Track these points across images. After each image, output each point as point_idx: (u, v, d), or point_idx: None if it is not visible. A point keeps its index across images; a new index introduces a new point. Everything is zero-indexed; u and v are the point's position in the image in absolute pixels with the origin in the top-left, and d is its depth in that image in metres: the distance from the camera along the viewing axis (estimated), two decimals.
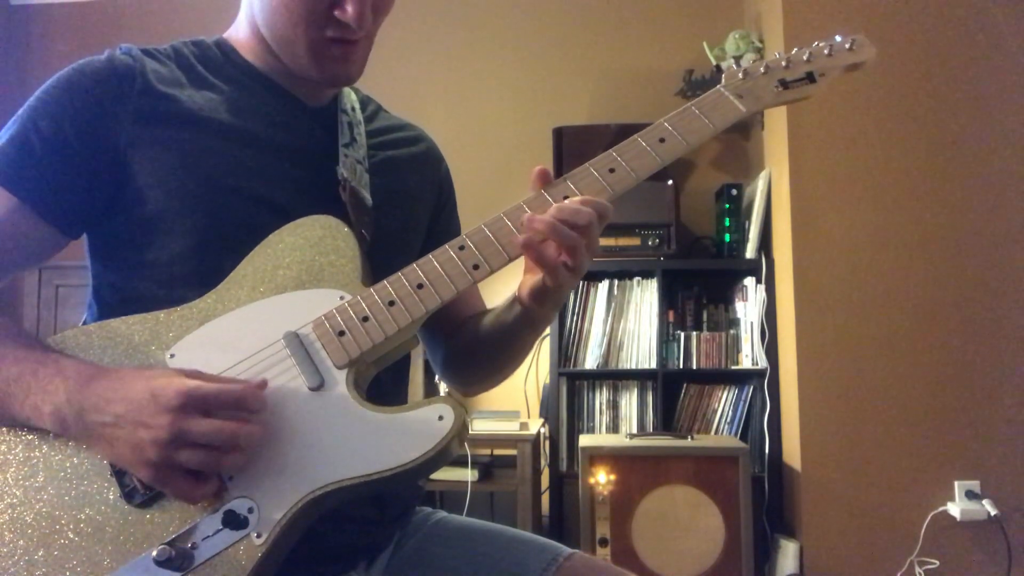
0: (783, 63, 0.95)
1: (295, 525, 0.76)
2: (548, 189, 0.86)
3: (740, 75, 0.94)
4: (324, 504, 0.77)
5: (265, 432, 0.76)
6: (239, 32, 1.01)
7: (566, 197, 0.84)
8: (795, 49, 0.97)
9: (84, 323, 0.92)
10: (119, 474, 0.77)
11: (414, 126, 1.16)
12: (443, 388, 2.82)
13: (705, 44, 2.90)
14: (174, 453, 0.72)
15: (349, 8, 0.88)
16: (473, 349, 1.06)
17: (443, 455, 0.76)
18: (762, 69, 0.94)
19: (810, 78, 0.94)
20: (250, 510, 0.75)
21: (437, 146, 1.17)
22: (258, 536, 0.74)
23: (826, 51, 0.95)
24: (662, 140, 0.89)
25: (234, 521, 0.74)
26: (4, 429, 0.80)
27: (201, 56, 0.99)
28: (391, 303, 0.83)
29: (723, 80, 0.94)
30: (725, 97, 0.93)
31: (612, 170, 0.87)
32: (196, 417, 0.72)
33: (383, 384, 0.94)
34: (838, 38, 0.96)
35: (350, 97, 1.07)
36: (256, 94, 0.98)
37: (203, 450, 0.72)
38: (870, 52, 0.96)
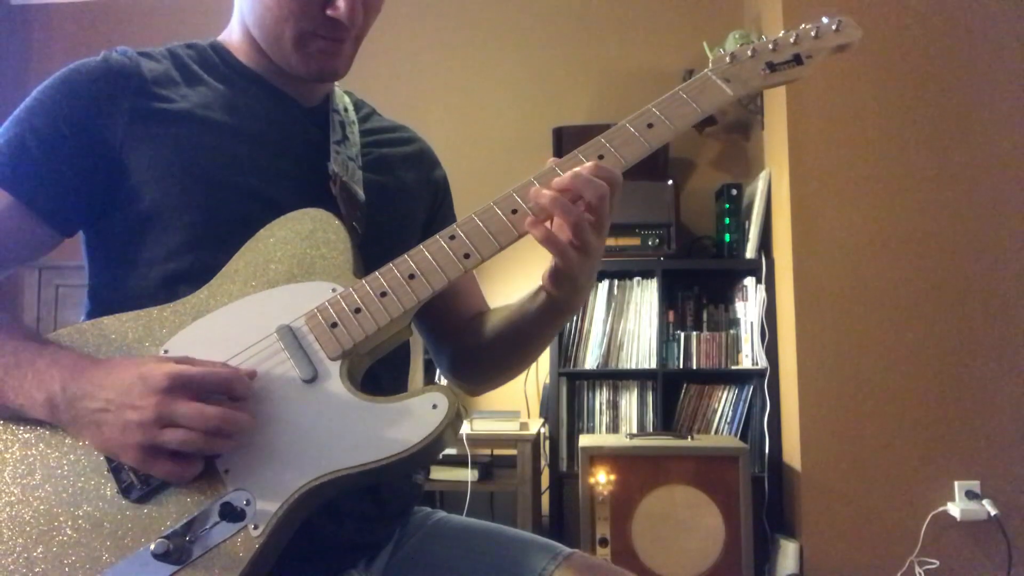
0: (770, 46, 0.95)
1: (292, 517, 0.76)
2: (538, 177, 0.86)
3: (727, 59, 0.94)
4: (321, 495, 0.77)
5: (254, 421, 0.77)
6: (232, 35, 1.02)
7: None
8: (782, 32, 0.97)
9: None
10: (116, 470, 0.77)
11: (409, 128, 1.17)
12: (443, 382, 2.82)
13: (705, 44, 2.90)
14: (159, 434, 0.73)
15: (341, 4, 0.89)
16: (486, 345, 1.06)
17: (437, 443, 0.77)
18: (749, 52, 0.94)
19: (797, 60, 0.94)
20: (247, 502, 0.75)
21: (432, 150, 1.18)
22: (255, 528, 0.74)
23: (813, 33, 0.96)
24: (650, 125, 0.89)
25: (231, 513, 0.74)
26: (0, 428, 0.80)
27: (196, 57, 1.00)
28: (383, 294, 0.83)
29: (711, 64, 0.95)
30: (712, 81, 0.93)
31: (601, 156, 0.87)
32: (182, 399, 0.73)
33: (382, 380, 0.95)
34: (824, 20, 0.96)
35: (343, 99, 1.09)
36: (250, 93, 0.99)
37: (185, 430, 0.73)
38: (856, 33, 0.96)
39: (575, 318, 2.91)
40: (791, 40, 0.95)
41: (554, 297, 0.90)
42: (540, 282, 0.91)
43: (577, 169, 0.82)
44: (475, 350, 1.08)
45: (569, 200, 0.80)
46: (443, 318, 1.09)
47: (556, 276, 0.87)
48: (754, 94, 2.85)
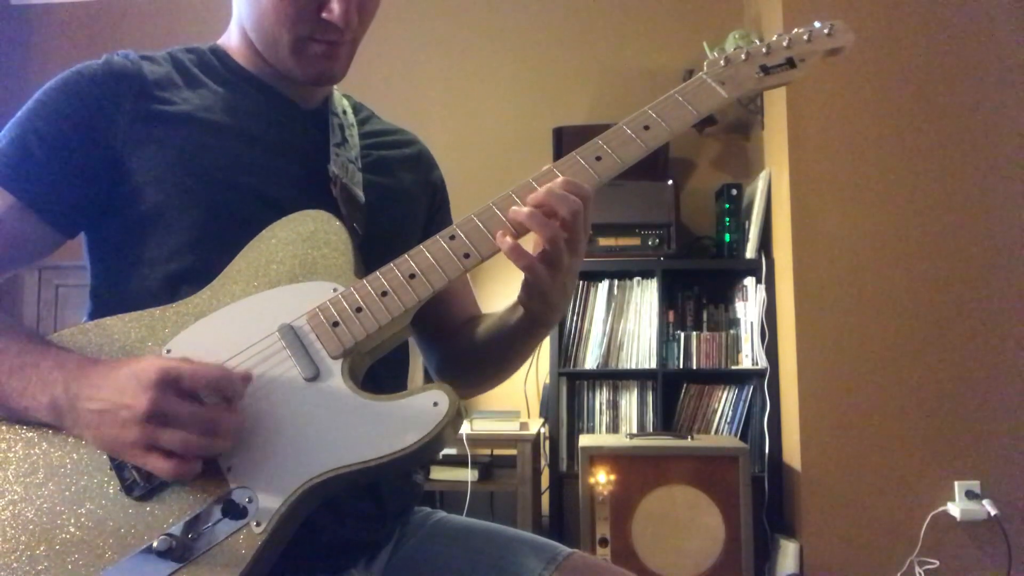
0: (763, 50, 0.97)
1: (294, 514, 0.76)
2: (537, 178, 0.88)
3: (722, 63, 0.96)
4: (323, 492, 0.78)
5: (244, 422, 0.77)
6: (231, 39, 1.04)
7: None
8: (775, 36, 0.99)
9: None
10: (119, 468, 0.78)
11: (407, 131, 1.19)
12: None
13: (705, 44, 2.91)
14: (153, 432, 0.73)
15: (336, 8, 0.90)
16: (472, 352, 1.08)
17: (439, 440, 0.77)
18: (743, 56, 0.97)
19: (790, 63, 0.97)
20: (249, 499, 0.75)
21: (430, 152, 1.19)
22: (257, 525, 0.75)
23: (805, 37, 0.98)
24: (647, 127, 0.91)
25: (234, 511, 0.75)
26: (4, 428, 0.81)
27: (196, 61, 1.01)
28: (384, 293, 0.84)
29: (705, 67, 0.97)
30: (707, 84, 0.95)
31: (599, 158, 0.89)
32: (174, 398, 0.73)
33: (382, 380, 0.95)
34: (817, 24, 0.99)
35: (341, 102, 1.10)
36: (250, 95, 1.00)
37: (181, 432, 0.73)
38: (848, 37, 0.98)
39: (575, 318, 2.92)
40: (784, 44, 0.97)
41: (529, 311, 0.93)
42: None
43: (549, 185, 0.84)
44: (462, 355, 1.10)
45: (544, 215, 0.83)
46: (435, 321, 1.10)
47: (529, 291, 0.90)
48: (749, 96, 2.86)
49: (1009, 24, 2.59)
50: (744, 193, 3.02)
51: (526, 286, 0.89)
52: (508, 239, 0.84)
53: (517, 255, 0.83)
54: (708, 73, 0.96)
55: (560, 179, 0.85)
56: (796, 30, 0.99)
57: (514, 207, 0.85)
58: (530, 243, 0.85)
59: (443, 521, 1.07)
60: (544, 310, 0.92)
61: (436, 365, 1.14)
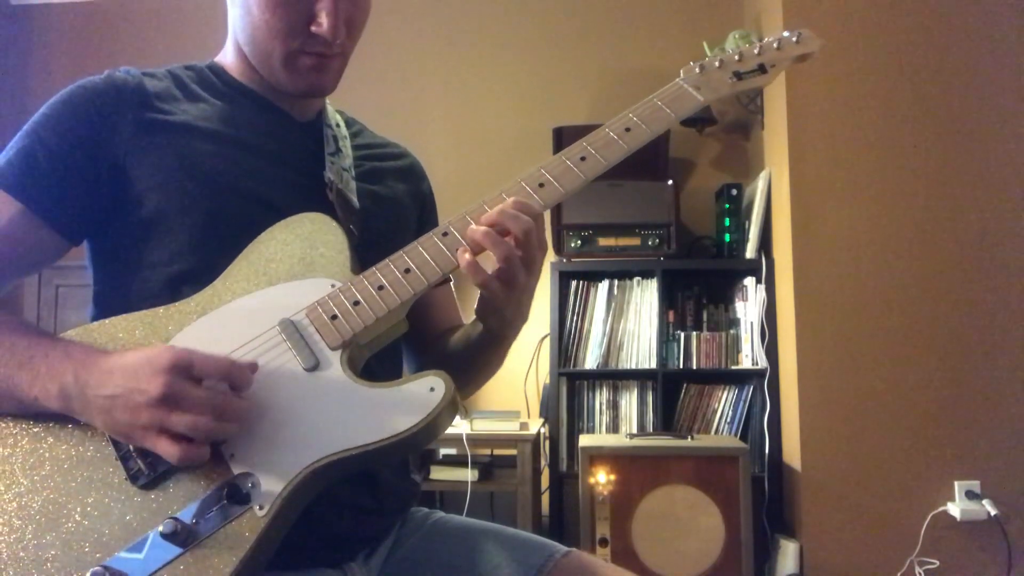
0: (736, 57, 1.04)
1: (296, 498, 0.78)
2: (524, 179, 0.92)
3: (697, 69, 1.03)
4: (324, 477, 0.79)
5: (253, 407, 0.79)
6: (227, 56, 1.08)
7: (542, 185, 0.91)
8: (746, 44, 1.06)
9: None
10: (124, 458, 0.79)
11: (398, 144, 1.23)
12: None
13: (705, 44, 2.91)
14: (165, 415, 0.75)
15: (324, 21, 0.94)
16: (442, 363, 1.10)
17: (436, 424, 0.80)
18: (717, 63, 1.03)
19: (762, 69, 1.04)
20: (252, 485, 0.77)
21: (420, 164, 1.24)
22: (260, 508, 0.76)
23: (775, 45, 1.05)
24: (628, 129, 0.96)
25: (237, 495, 0.76)
26: (10, 423, 0.82)
27: (195, 77, 1.06)
28: (380, 287, 0.87)
29: (681, 74, 1.03)
30: (684, 89, 1.01)
31: (583, 158, 0.94)
32: (187, 382, 0.75)
33: (377, 375, 0.96)
34: (785, 33, 1.06)
35: (335, 116, 1.14)
36: (246, 107, 1.04)
37: (192, 415, 0.74)
38: (815, 44, 1.06)
39: (575, 318, 2.92)
40: (755, 52, 1.05)
41: (487, 327, 0.98)
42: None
43: (500, 206, 0.88)
44: (434, 365, 1.12)
45: (498, 234, 0.86)
46: (417, 330, 1.11)
47: (485, 306, 0.95)
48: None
49: (1009, 24, 2.60)
50: (744, 193, 3.02)
51: (482, 301, 0.94)
52: (467, 255, 0.87)
53: (474, 271, 0.86)
54: (684, 79, 1.02)
55: (510, 199, 0.88)
56: (767, 39, 1.06)
57: (471, 227, 0.88)
58: (489, 263, 0.88)
59: (442, 521, 1.09)
60: (500, 325, 0.97)
61: (414, 372, 1.16)
